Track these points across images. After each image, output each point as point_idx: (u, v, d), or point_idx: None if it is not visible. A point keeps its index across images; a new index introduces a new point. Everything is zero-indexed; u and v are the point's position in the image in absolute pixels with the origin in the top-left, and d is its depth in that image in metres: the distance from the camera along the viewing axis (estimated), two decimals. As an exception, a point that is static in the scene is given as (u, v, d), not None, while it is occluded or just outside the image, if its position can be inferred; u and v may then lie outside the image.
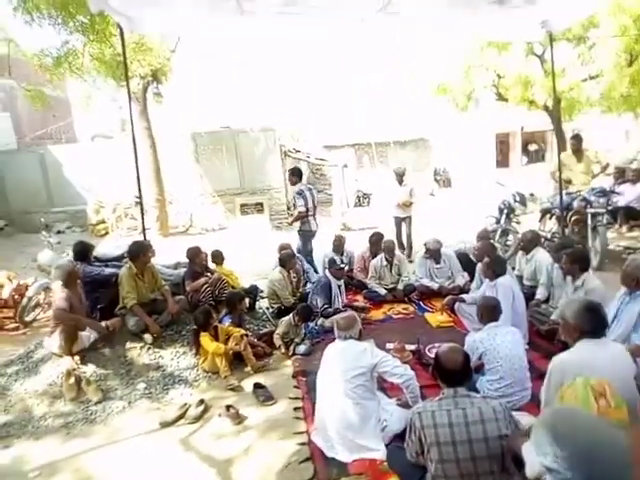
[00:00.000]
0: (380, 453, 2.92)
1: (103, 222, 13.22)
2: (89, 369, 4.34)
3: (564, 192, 6.66)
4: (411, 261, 7.17)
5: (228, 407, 3.65)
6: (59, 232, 12.63)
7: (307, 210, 6.70)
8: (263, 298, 6.06)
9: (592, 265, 5.75)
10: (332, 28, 5.18)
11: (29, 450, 3.46)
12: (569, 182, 7.21)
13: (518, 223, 8.05)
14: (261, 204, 13.27)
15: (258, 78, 22.50)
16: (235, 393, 4.03)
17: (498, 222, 7.97)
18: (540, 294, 4.98)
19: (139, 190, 5.53)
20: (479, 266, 5.15)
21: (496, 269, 4.47)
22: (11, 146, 15.67)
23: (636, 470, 1.65)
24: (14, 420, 3.84)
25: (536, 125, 20.80)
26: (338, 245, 6.68)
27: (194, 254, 5.62)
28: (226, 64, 21.44)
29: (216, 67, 20.80)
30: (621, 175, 9.10)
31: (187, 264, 5.71)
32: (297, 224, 6.88)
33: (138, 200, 6.39)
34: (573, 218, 6.82)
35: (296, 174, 6.96)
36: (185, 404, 3.80)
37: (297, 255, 6.30)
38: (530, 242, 5.45)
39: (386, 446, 2.96)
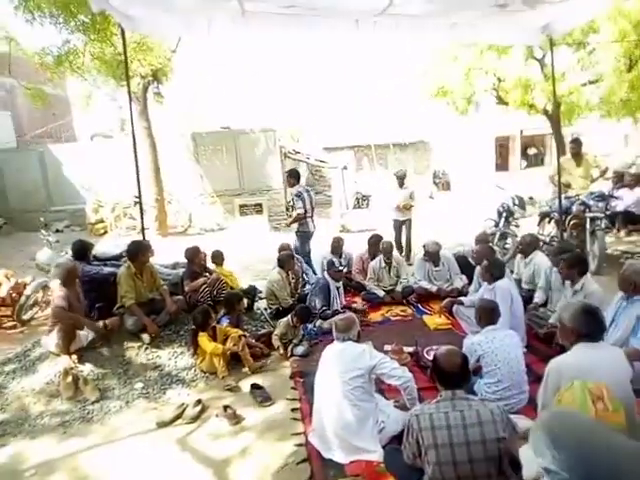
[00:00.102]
0: (377, 455, 2.91)
1: (102, 221, 13.22)
2: (87, 368, 4.34)
3: (563, 196, 6.68)
4: (410, 264, 7.17)
5: (225, 407, 3.65)
6: (58, 231, 12.60)
7: (305, 212, 6.74)
8: (261, 299, 6.06)
9: (590, 269, 5.77)
10: (331, 31, 5.18)
11: (25, 449, 3.45)
12: (568, 186, 7.22)
13: (517, 227, 8.05)
14: (260, 205, 13.27)
15: (259, 79, 22.52)
16: (233, 393, 4.02)
17: (497, 225, 7.98)
18: (538, 297, 4.98)
19: (138, 190, 5.53)
20: (478, 269, 5.15)
21: (494, 272, 4.48)
22: (11, 144, 15.67)
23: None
24: (10, 419, 3.83)
25: (535, 129, 20.91)
26: (336, 247, 6.69)
27: (193, 254, 5.62)
28: (227, 65, 21.50)
29: (217, 67, 20.84)
30: (620, 180, 9.11)
31: (186, 264, 5.71)
32: (295, 225, 6.93)
33: (137, 200, 6.41)
34: (572, 222, 6.82)
35: (294, 176, 6.99)
36: (182, 404, 3.79)
37: (296, 256, 6.30)
38: (529, 245, 5.46)
39: (383, 448, 2.95)
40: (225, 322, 4.84)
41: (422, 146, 23.23)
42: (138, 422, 3.70)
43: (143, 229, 5.84)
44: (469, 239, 6.52)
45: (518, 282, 5.34)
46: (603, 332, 2.75)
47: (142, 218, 5.86)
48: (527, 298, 4.94)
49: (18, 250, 10.41)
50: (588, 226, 6.63)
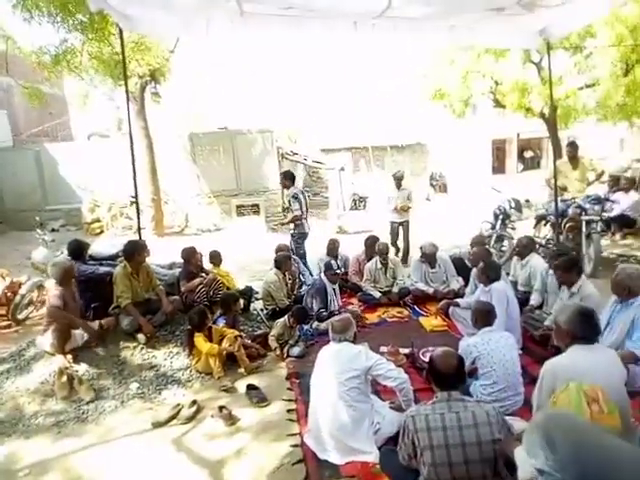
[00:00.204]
0: (372, 456, 2.91)
1: (98, 221, 13.17)
2: (82, 368, 4.33)
3: (559, 199, 6.71)
4: (407, 266, 7.18)
5: (221, 408, 3.65)
6: (53, 230, 12.55)
7: (302, 213, 6.82)
8: (258, 299, 6.05)
9: (586, 272, 5.80)
10: (329, 32, 5.19)
11: (19, 449, 3.44)
12: (564, 189, 7.25)
13: (513, 229, 8.08)
14: (257, 205, 13.26)
15: (257, 80, 22.52)
16: (228, 394, 4.02)
17: (493, 228, 8.01)
18: (534, 300, 5.00)
19: (135, 189, 5.51)
20: (474, 271, 5.17)
21: (490, 274, 4.49)
22: (7, 143, 15.59)
23: None
24: (5, 418, 3.81)
25: (532, 132, 21.00)
26: (332, 249, 6.70)
27: (189, 254, 5.61)
28: (225, 65, 21.48)
29: (215, 68, 20.83)
30: (615, 183, 9.19)
31: (182, 264, 5.70)
32: (290, 227, 7.01)
33: (134, 199, 6.39)
34: (568, 225, 6.85)
35: (289, 177, 7.05)
36: (178, 404, 3.78)
37: (293, 257, 6.31)
38: (525, 248, 5.49)
39: (379, 449, 2.95)
40: (221, 323, 4.84)
41: (419, 148, 23.30)
42: (133, 422, 3.69)
43: (139, 229, 5.84)
44: (466, 241, 6.54)
45: (514, 284, 5.36)
46: (598, 334, 2.76)
47: (138, 218, 5.85)
48: (523, 300, 4.95)
49: (13, 249, 10.36)
50: (584, 229, 6.66)
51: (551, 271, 4.78)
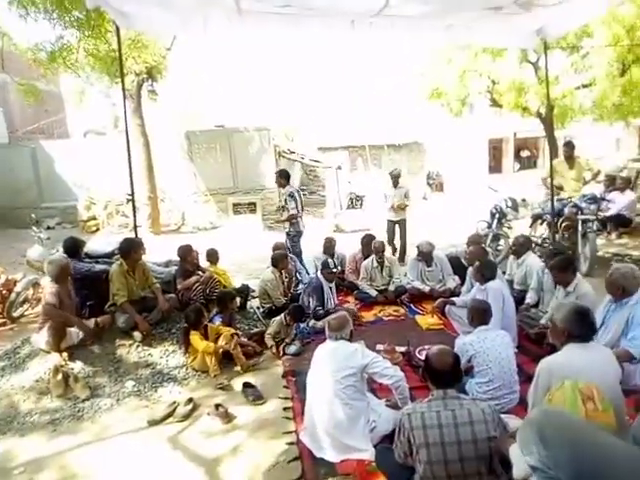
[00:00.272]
0: (368, 454, 2.92)
1: (94, 219, 13.14)
2: (77, 366, 4.31)
3: (555, 198, 6.73)
4: (404, 264, 7.19)
5: (217, 406, 3.64)
6: (49, 228, 12.52)
7: (297, 212, 6.87)
8: (254, 298, 6.05)
9: (582, 271, 5.83)
10: (327, 30, 5.18)
11: (14, 446, 3.42)
12: (560, 188, 7.28)
13: (510, 228, 8.11)
14: (254, 204, 13.24)
15: (254, 78, 22.52)
16: (224, 392, 4.01)
17: (490, 227, 8.03)
18: (530, 298, 5.01)
19: (131, 187, 5.50)
20: (470, 270, 5.18)
21: (486, 273, 4.50)
22: (2, 140, 15.54)
23: None
24: (-1, 416, 3.80)
25: (529, 132, 21.06)
26: (328, 247, 6.72)
27: (185, 252, 5.60)
28: (222, 63, 21.44)
29: (212, 66, 20.79)
30: (611, 183, 9.22)
31: (178, 262, 5.69)
32: (286, 225, 7.06)
33: (130, 197, 6.37)
34: (564, 224, 6.88)
35: (284, 176, 7.09)
36: (174, 402, 3.78)
37: (290, 255, 6.31)
38: (522, 246, 5.50)
39: (374, 447, 2.95)
40: (218, 321, 4.84)
41: (416, 147, 23.34)
42: (129, 420, 3.68)
43: (136, 227, 5.82)
44: (462, 240, 6.55)
45: (510, 283, 5.38)
46: (594, 333, 2.77)
47: (135, 216, 5.83)
48: (519, 299, 4.97)
49: (8, 247, 10.32)
50: (580, 228, 6.69)
51: (547, 270, 4.80)
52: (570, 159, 7.41)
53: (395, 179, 8.03)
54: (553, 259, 4.53)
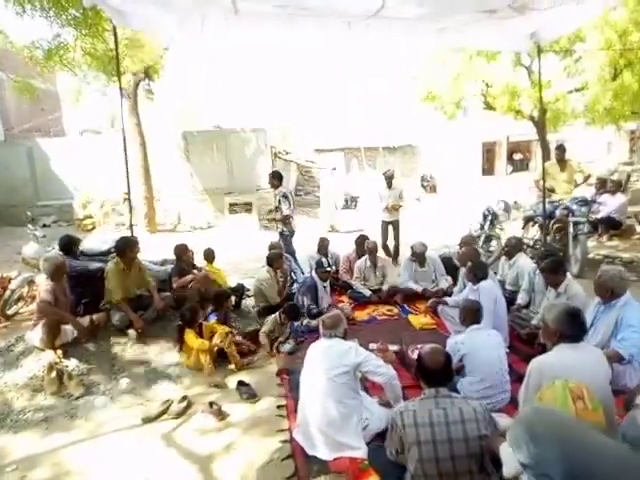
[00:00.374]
0: (361, 452, 2.94)
1: (90, 217, 13.10)
2: (71, 363, 4.30)
3: (547, 200, 6.79)
4: (398, 265, 7.23)
5: (211, 404, 3.66)
6: (45, 226, 12.47)
7: (291, 212, 6.97)
8: (249, 297, 6.07)
9: (572, 273, 5.89)
10: (323, 31, 5.21)
11: (7, 444, 3.42)
12: (552, 191, 7.34)
13: (502, 230, 8.18)
14: (250, 204, 13.26)
15: (251, 78, 22.52)
16: (218, 390, 4.03)
17: (482, 228, 8.09)
18: (521, 299, 5.06)
19: (127, 186, 5.50)
20: (462, 270, 5.23)
21: (478, 273, 4.55)
22: (-2, 137, 15.46)
23: None
24: (-7, 413, 3.79)
25: (521, 135, 21.17)
26: (322, 246, 6.78)
27: (181, 251, 5.62)
28: (220, 64, 21.42)
29: (209, 66, 20.77)
30: (602, 186, 9.31)
31: (174, 261, 5.71)
32: (279, 225, 7.14)
33: (126, 196, 6.38)
34: (555, 226, 6.94)
35: (277, 177, 7.15)
36: (168, 400, 3.79)
37: (285, 255, 6.34)
38: (514, 248, 5.56)
39: (367, 445, 2.98)
40: (213, 319, 4.86)
41: (410, 149, 23.41)
42: (123, 417, 3.69)
43: (132, 226, 5.84)
44: (455, 241, 6.61)
45: (502, 283, 5.43)
46: (585, 333, 2.80)
47: (131, 215, 5.86)
48: (510, 299, 5.02)
49: (4, 244, 10.28)
50: (571, 230, 6.75)
51: (538, 271, 4.86)
52: (562, 162, 7.48)
53: (389, 180, 8.06)
54: (544, 260, 4.58)
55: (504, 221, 8.36)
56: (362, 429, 3.07)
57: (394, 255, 8.04)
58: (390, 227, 8.09)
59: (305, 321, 5.22)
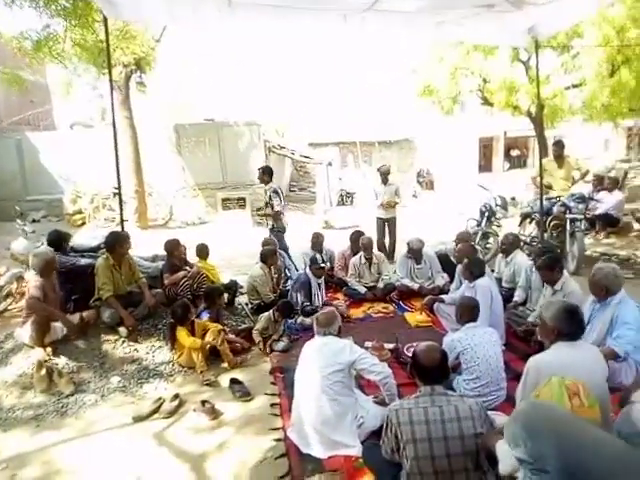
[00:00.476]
0: (356, 450, 2.91)
1: (80, 212, 12.96)
2: (61, 361, 4.25)
3: (544, 197, 6.77)
4: (394, 262, 7.17)
5: (204, 402, 3.61)
6: (34, 221, 12.33)
7: (281, 208, 6.96)
8: (242, 294, 6.01)
9: (569, 269, 5.88)
10: (319, 24, 5.14)
11: (-4, 442, 3.37)
12: (549, 187, 7.33)
13: (499, 226, 8.15)
14: (243, 199, 13.13)
15: (245, 71, 22.39)
16: (211, 388, 3.98)
17: (479, 225, 8.06)
18: (518, 296, 5.04)
19: (118, 181, 5.42)
20: (459, 267, 5.19)
21: (474, 271, 4.52)
22: (-14, 130, 15.24)
23: None
24: (-19, 411, 3.72)
25: (519, 131, 21.24)
26: (316, 243, 6.65)
27: (172, 247, 5.53)
28: (212, 56, 21.25)
29: (202, 58, 20.59)
30: (600, 183, 9.32)
31: (165, 257, 5.63)
32: (269, 221, 7.13)
33: (117, 191, 6.29)
34: (552, 223, 6.93)
35: (267, 173, 7.10)
36: (160, 398, 3.74)
37: (279, 251, 6.26)
38: (511, 245, 5.53)
39: (362, 443, 2.95)
40: (205, 316, 4.80)
41: (406, 144, 23.41)
42: (114, 416, 3.64)
43: (122, 221, 5.74)
44: (451, 238, 6.57)
45: (499, 281, 5.40)
46: (583, 331, 2.78)
47: (121, 210, 5.76)
48: (507, 297, 4.99)
49: (-8, 240, 10.14)
50: (568, 227, 6.74)
51: (535, 268, 4.83)
52: (559, 158, 7.46)
53: (384, 176, 7.90)
54: (541, 257, 4.56)
55: (501, 218, 8.34)
56: (357, 427, 3.04)
57: (390, 252, 7.94)
58: (386, 225, 7.94)
59: (299, 319, 5.17)
